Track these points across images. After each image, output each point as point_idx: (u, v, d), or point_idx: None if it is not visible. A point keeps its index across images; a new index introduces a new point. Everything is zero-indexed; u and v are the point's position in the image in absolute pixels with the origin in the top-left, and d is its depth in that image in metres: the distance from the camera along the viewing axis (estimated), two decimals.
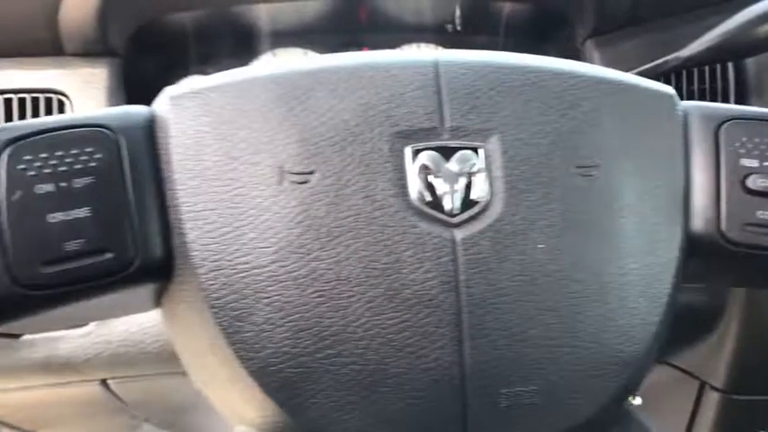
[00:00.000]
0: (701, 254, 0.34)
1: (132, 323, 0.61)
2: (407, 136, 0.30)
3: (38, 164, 0.28)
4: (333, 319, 0.29)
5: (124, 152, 0.29)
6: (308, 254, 0.29)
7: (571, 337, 0.30)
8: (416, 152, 0.30)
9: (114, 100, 0.63)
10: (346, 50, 0.82)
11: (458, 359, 0.29)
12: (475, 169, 0.30)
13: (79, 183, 0.28)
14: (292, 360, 0.28)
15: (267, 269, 0.29)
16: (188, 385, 0.74)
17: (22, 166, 0.27)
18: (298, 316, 0.28)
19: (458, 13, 0.79)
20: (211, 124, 0.30)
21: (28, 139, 0.28)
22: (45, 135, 0.28)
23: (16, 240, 0.27)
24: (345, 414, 0.29)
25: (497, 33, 0.81)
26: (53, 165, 0.28)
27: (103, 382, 0.65)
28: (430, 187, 0.30)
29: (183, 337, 0.33)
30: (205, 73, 0.76)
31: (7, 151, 0.27)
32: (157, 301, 0.32)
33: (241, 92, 0.30)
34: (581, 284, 0.31)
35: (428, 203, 0.30)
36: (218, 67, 0.78)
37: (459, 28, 0.80)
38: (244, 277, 0.29)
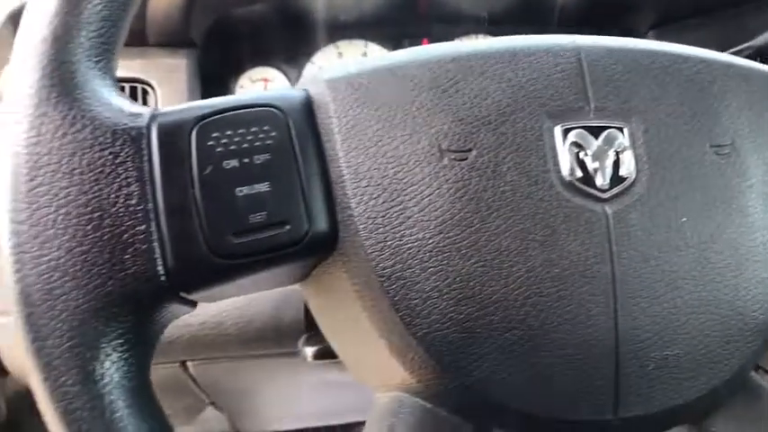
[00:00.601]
0: None
1: (211, 305, 0.63)
2: (557, 116, 0.32)
3: (224, 140, 0.29)
4: (494, 288, 0.30)
5: (293, 131, 0.31)
6: (470, 226, 0.30)
7: (712, 304, 0.32)
8: (566, 131, 0.32)
9: (192, 90, 0.65)
10: (407, 41, 0.83)
11: (612, 325, 0.31)
12: (621, 147, 0.32)
13: (259, 159, 0.30)
14: (457, 326, 0.30)
15: (431, 241, 0.30)
16: (260, 368, 0.76)
17: (211, 143, 0.29)
18: (462, 284, 0.30)
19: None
20: (370, 106, 0.31)
21: (214, 117, 0.30)
22: (228, 113, 0.30)
23: (209, 212, 0.29)
24: (508, 376, 0.30)
25: (551, 23, 0.82)
26: (236, 142, 0.29)
27: (183, 363, 0.67)
28: (581, 164, 0.32)
29: (332, 308, 0.35)
30: (270, 65, 0.78)
31: (196, 128, 0.29)
32: (305, 274, 0.34)
33: (395, 75, 0.32)
34: (720, 255, 0.32)
35: (579, 179, 0.31)
36: (282, 59, 0.79)
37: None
38: (410, 248, 0.30)
